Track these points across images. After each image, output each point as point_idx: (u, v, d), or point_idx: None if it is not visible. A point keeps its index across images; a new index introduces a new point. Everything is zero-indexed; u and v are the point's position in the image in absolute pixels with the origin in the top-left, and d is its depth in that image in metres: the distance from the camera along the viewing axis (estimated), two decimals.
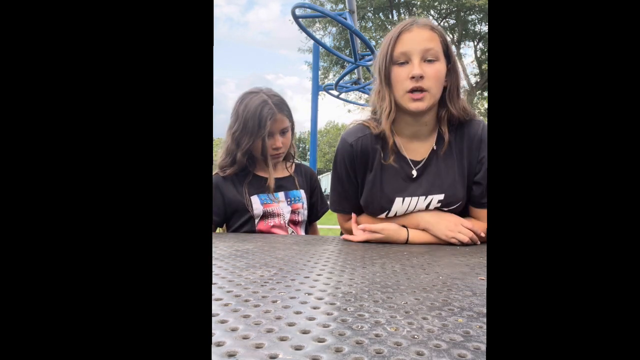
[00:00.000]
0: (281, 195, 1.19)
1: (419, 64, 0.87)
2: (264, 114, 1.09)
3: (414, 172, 0.95)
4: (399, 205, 0.95)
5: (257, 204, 1.14)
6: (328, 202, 1.22)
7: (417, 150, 0.97)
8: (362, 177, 0.99)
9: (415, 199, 0.95)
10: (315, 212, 1.28)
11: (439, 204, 0.95)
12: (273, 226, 1.15)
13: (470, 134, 0.95)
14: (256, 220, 1.14)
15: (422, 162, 0.96)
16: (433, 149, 0.95)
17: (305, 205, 1.22)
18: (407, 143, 0.97)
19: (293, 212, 1.19)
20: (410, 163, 0.96)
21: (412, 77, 0.86)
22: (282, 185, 1.20)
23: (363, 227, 0.96)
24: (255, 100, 1.11)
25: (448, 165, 0.95)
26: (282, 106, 1.14)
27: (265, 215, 1.15)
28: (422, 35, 0.88)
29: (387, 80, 0.92)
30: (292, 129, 1.20)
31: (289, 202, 1.19)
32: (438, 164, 0.95)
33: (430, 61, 0.88)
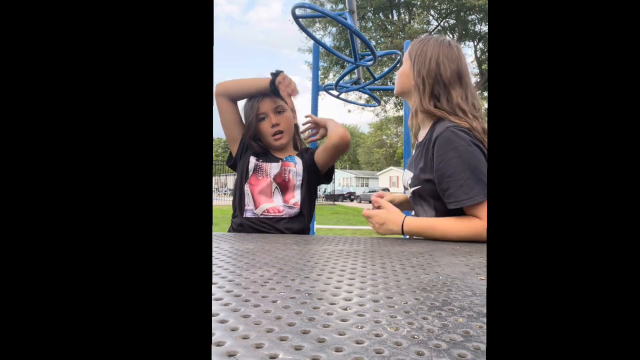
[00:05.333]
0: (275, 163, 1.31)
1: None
2: (253, 100, 1.27)
3: (413, 151, 1.18)
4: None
5: (253, 161, 1.30)
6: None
7: (421, 137, 1.16)
8: None
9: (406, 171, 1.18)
10: None
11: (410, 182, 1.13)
12: (261, 179, 1.27)
13: (434, 133, 1.04)
14: (250, 173, 1.28)
15: (416, 145, 1.16)
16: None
17: (300, 169, 1.29)
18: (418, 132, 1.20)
19: (283, 169, 1.27)
20: (416, 144, 1.18)
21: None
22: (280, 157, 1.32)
23: (379, 194, 1.15)
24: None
25: (420, 153, 1.10)
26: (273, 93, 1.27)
27: (256, 169, 1.28)
28: None
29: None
30: (293, 112, 1.31)
31: (279, 160, 1.29)
32: (417, 150, 1.13)
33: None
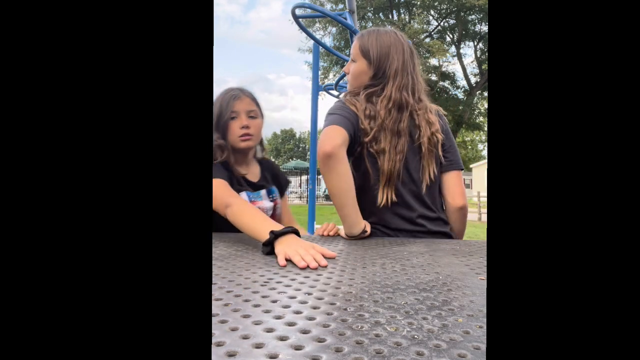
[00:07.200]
0: (263, 193, 1.24)
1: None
2: (227, 96, 1.19)
3: None
4: None
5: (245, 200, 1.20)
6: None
7: None
8: None
9: None
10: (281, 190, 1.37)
11: None
12: None
13: None
14: None
15: None
16: None
17: (279, 200, 1.29)
18: None
19: (274, 207, 1.25)
20: None
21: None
22: (262, 184, 1.25)
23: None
24: (223, 92, 1.23)
25: None
26: (248, 93, 1.21)
27: None
28: None
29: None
30: (261, 118, 1.23)
31: (270, 199, 1.24)
32: None
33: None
